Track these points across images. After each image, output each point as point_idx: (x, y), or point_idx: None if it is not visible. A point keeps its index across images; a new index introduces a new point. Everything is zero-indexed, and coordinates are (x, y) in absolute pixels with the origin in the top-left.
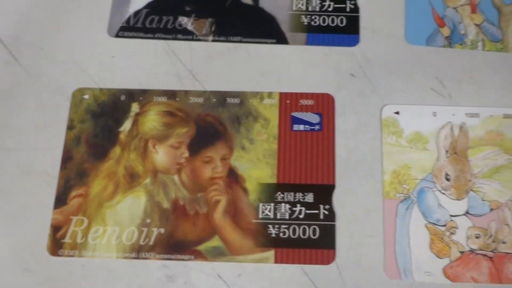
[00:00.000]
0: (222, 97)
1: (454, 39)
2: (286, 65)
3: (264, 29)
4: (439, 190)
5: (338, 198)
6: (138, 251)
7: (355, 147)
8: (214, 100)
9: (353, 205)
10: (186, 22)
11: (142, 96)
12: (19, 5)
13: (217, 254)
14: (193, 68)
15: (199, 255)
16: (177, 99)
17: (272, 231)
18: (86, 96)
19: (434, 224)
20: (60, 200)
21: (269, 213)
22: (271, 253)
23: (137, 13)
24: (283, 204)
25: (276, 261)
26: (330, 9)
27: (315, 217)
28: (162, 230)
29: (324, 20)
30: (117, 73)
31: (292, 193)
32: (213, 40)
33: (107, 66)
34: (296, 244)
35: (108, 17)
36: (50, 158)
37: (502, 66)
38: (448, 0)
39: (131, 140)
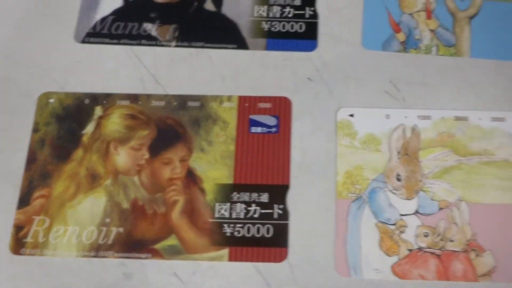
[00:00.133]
0: (183, 100)
1: (409, 44)
2: (246, 70)
3: (225, 35)
4: (390, 190)
5: (292, 198)
6: (97, 249)
7: (310, 149)
8: (175, 103)
9: (307, 205)
10: (150, 28)
11: (105, 99)
12: None
13: (173, 253)
14: (156, 72)
15: (156, 254)
16: (140, 102)
17: (227, 230)
18: (52, 100)
19: (385, 223)
20: (24, 201)
21: (225, 213)
22: (225, 252)
23: (103, 19)
24: (238, 204)
25: (230, 259)
26: (290, 15)
27: (269, 216)
28: (121, 230)
29: (284, 26)
30: (82, 77)
31: (247, 193)
32: (176, 46)
33: (73, 71)
34: (250, 243)
35: (75, 23)
36: (15, 160)
37: (455, 70)
38: (405, 7)
39: (93, 142)
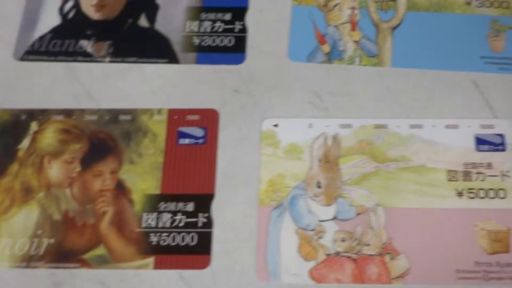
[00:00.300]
0: (115, 114)
1: (333, 56)
2: (176, 83)
3: (158, 50)
4: (310, 197)
5: (216, 207)
6: (28, 260)
7: (235, 158)
8: (108, 117)
9: (230, 213)
10: (86, 45)
11: (41, 115)
12: None
13: (101, 262)
14: (90, 88)
15: (84, 263)
16: (74, 117)
17: (153, 239)
18: None
19: (304, 229)
20: None
21: (151, 222)
22: (151, 260)
23: (41, 37)
24: (165, 213)
25: (155, 267)
26: (220, 30)
27: (194, 225)
28: (52, 241)
29: (214, 41)
30: (20, 94)
31: (174, 203)
32: (110, 61)
33: (11, 88)
34: (174, 251)
35: (14, 41)
36: None
37: (376, 80)
38: (330, 19)
39: (28, 156)
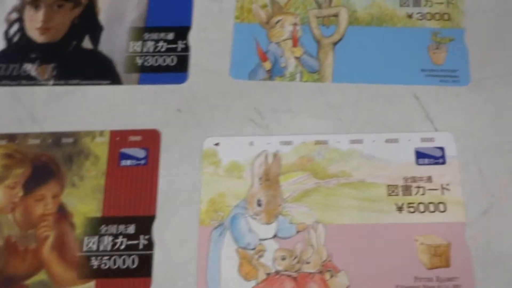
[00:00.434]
0: (57, 137)
1: (274, 72)
2: (119, 104)
3: (101, 71)
4: (250, 216)
5: (157, 228)
6: None
7: (177, 179)
8: (50, 140)
9: (171, 234)
10: (30, 68)
11: None
12: None
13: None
14: (34, 111)
15: None
16: (17, 141)
17: (94, 263)
18: None
19: (244, 248)
20: None
21: (93, 246)
22: (91, 284)
23: None
24: (106, 237)
25: None
26: (163, 49)
27: (135, 247)
28: None
29: (156, 60)
30: None
31: (115, 225)
32: (54, 84)
33: None
34: (116, 274)
35: None
36: None
37: (317, 95)
38: (272, 36)
39: None
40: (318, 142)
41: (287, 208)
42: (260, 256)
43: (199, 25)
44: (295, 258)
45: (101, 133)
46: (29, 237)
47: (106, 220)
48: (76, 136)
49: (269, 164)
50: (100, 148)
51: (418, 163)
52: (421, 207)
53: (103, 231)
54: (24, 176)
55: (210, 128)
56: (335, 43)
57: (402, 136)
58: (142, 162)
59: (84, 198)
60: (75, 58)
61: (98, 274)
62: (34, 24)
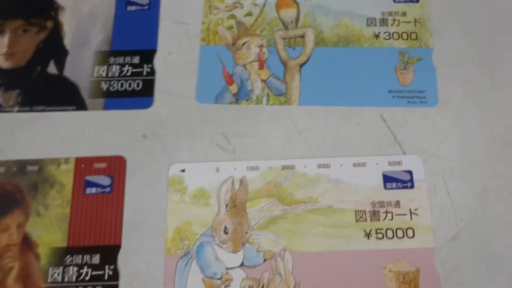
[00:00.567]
0: (22, 165)
1: (241, 96)
2: (84, 131)
3: (66, 97)
4: (217, 244)
5: (122, 258)
6: None
7: (142, 207)
8: (15, 168)
9: (136, 264)
10: None
11: None
12: None
13: None
14: None
15: None
16: None
17: None
18: None
19: (211, 277)
20: None
21: (57, 277)
22: None
23: None
24: (71, 267)
25: None
26: (128, 74)
27: (100, 278)
28: None
29: (122, 85)
30: None
31: (80, 256)
32: (18, 111)
33: None
34: None
35: None
36: None
37: (284, 119)
38: (238, 58)
39: None
40: (285, 167)
41: (254, 236)
42: (227, 286)
43: (165, 48)
44: (262, 287)
45: (66, 160)
46: None
47: (71, 250)
48: (41, 163)
49: (236, 190)
50: (65, 176)
51: (386, 187)
52: (389, 233)
53: (68, 262)
54: None
55: (176, 154)
56: (301, 65)
57: (369, 160)
58: (107, 189)
59: (49, 228)
60: (40, 83)
61: None
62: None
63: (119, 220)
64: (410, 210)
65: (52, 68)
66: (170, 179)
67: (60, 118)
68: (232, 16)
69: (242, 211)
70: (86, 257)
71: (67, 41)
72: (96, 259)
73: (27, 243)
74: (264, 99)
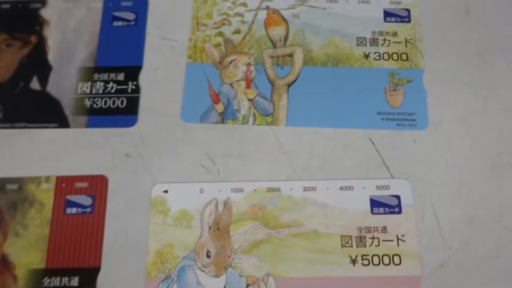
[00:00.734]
0: (2, 183)
1: (227, 115)
2: (65, 149)
3: (48, 114)
4: (199, 268)
5: (102, 281)
6: None
7: (124, 228)
8: None
9: (116, 287)
10: None
11: None
12: None
13: None
14: None
15: None
16: None
17: None
18: None
19: None
20: None
21: None
22: None
23: None
24: None
25: None
26: (112, 91)
27: None
28: None
29: (105, 102)
30: None
31: (59, 278)
32: (0, 127)
33: None
34: None
35: None
36: None
37: (270, 140)
38: (225, 76)
39: None
40: (270, 190)
41: (237, 260)
42: None
43: (151, 65)
44: None
45: (47, 179)
46: None
47: (49, 272)
48: (21, 182)
49: (220, 213)
50: (46, 195)
51: (373, 212)
52: (376, 260)
53: (46, 284)
54: None
55: (159, 174)
56: (289, 85)
57: (356, 184)
58: (88, 210)
59: (27, 249)
60: (22, 99)
61: None
62: None
63: (99, 242)
64: (397, 236)
65: (35, 84)
66: (153, 200)
67: (41, 135)
68: (220, 33)
69: (226, 234)
70: (65, 279)
71: (51, 57)
72: (75, 281)
73: (4, 264)
74: (251, 119)
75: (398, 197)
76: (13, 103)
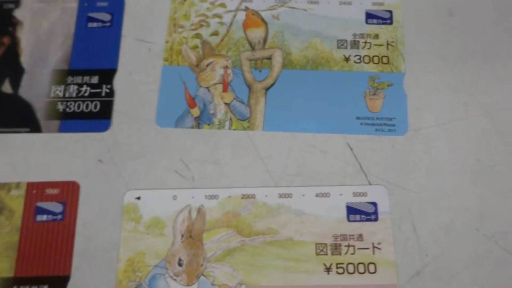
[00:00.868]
0: None
1: (203, 120)
2: (37, 154)
3: (19, 118)
4: (170, 276)
5: None
6: None
7: (95, 236)
8: None
9: None
10: None
11: None
12: None
13: None
14: None
15: None
16: None
17: None
18: None
19: None
20: None
21: None
22: None
23: None
24: None
25: None
26: (86, 94)
27: None
28: None
29: (79, 106)
30: None
31: (28, 286)
32: None
33: None
34: None
35: None
36: None
37: (247, 145)
38: (202, 80)
39: None
40: (245, 196)
41: (210, 268)
42: None
43: (126, 68)
44: None
45: (18, 185)
46: None
47: (18, 280)
48: None
49: (193, 220)
50: (16, 202)
51: (349, 220)
52: (350, 268)
53: None
54: None
55: (132, 180)
56: (267, 88)
57: (333, 190)
58: (59, 217)
59: None
60: None
61: None
62: None
63: (70, 250)
64: (373, 244)
65: (6, 87)
66: (125, 206)
67: (12, 141)
68: (197, 35)
69: (198, 242)
70: None
71: (24, 59)
72: None
73: None
74: (227, 123)
75: (375, 204)
76: None
